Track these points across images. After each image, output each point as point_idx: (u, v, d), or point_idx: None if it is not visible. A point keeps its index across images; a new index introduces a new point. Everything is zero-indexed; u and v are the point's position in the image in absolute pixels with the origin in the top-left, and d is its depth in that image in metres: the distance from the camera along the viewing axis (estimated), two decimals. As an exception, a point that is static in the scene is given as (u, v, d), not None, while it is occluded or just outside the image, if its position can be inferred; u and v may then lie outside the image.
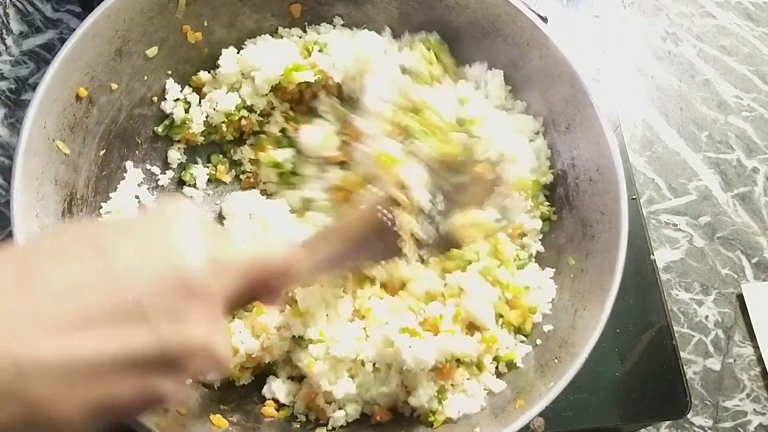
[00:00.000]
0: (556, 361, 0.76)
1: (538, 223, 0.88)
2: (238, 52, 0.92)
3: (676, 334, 0.96)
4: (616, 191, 0.79)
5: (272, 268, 0.57)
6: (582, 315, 0.78)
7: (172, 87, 0.91)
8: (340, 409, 0.77)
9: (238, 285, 0.52)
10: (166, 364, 0.45)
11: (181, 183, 0.95)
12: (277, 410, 0.79)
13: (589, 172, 0.83)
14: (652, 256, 1.00)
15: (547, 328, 0.81)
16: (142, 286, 0.44)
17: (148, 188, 0.91)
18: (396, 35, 0.93)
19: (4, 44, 1.08)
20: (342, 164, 0.88)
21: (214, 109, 0.91)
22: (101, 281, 0.43)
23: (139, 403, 0.45)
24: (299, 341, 0.78)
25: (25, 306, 0.41)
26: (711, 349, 1.06)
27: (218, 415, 0.74)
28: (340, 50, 0.89)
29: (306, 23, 0.95)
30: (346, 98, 0.91)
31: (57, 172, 0.77)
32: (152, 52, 0.87)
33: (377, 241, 0.75)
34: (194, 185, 0.95)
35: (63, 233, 0.49)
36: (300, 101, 0.94)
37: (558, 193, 0.88)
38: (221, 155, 0.96)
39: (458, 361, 0.78)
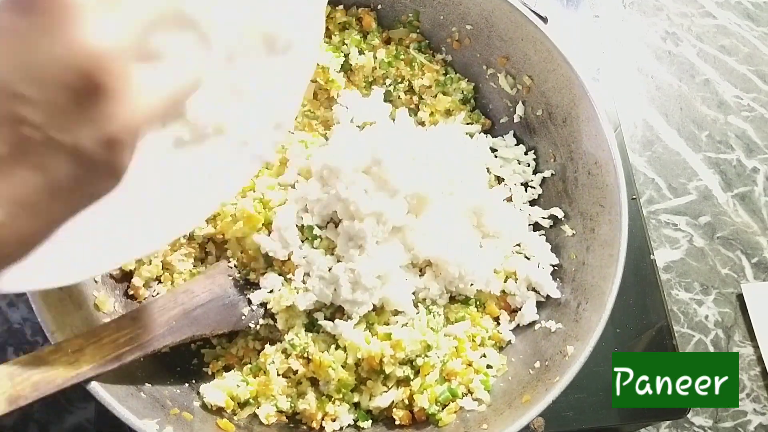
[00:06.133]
0: (559, 354, 0.75)
1: None
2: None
3: (676, 334, 0.96)
4: (615, 183, 0.78)
5: None
6: (585, 308, 0.77)
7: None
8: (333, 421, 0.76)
9: None
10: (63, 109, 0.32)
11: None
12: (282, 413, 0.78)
13: (587, 165, 0.83)
14: (652, 255, 0.99)
15: (550, 324, 0.81)
16: None
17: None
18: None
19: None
20: None
21: None
22: None
23: (71, 179, 0.33)
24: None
25: None
26: (711, 348, 1.05)
27: (225, 420, 0.73)
28: None
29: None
30: None
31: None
32: None
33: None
34: None
35: None
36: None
37: (557, 188, 0.88)
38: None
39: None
